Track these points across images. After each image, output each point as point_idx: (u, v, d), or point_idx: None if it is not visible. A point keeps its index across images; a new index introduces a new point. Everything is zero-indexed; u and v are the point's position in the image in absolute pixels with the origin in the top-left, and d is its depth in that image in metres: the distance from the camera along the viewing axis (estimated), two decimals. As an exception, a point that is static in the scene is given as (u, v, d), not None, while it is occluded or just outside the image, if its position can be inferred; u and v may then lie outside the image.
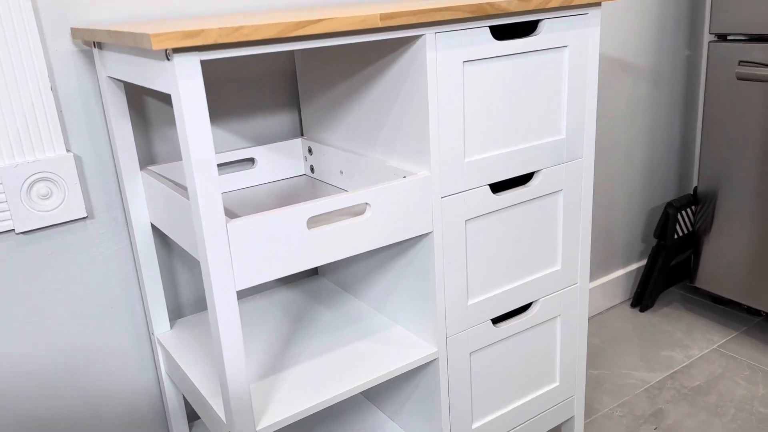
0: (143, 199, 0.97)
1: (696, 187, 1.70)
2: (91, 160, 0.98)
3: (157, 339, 1.04)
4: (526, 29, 0.93)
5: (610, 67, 1.59)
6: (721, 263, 1.67)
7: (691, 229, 1.74)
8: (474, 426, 1.03)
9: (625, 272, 1.82)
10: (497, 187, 0.95)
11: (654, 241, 1.88)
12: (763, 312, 1.69)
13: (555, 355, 1.11)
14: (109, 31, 0.73)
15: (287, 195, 1.05)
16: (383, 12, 0.74)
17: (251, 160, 1.11)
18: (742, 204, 1.59)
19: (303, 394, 0.86)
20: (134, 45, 0.66)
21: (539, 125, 0.96)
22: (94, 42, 0.89)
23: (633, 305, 1.82)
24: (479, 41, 0.86)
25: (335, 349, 0.97)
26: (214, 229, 0.71)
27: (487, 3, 0.82)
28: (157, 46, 0.61)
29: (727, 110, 1.57)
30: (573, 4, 0.90)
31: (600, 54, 1.56)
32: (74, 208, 0.97)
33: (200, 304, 1.13)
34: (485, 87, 0.88)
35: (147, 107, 1.01)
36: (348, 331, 1.02)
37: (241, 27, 0.65)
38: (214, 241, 0.71)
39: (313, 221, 0.86)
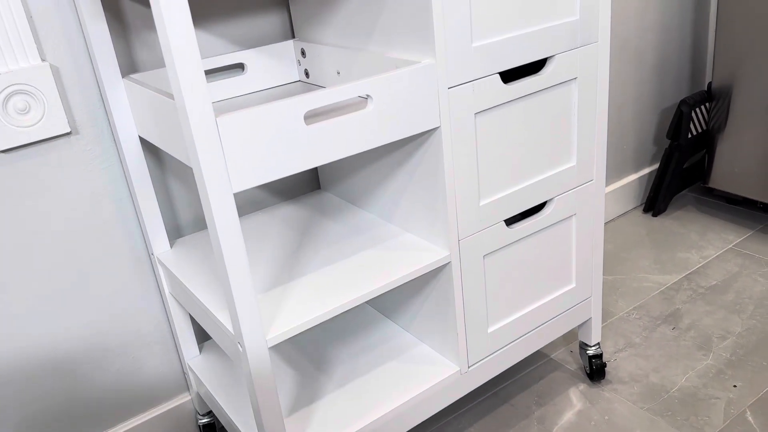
0: (128, 109, 0.91)
1: (710, 83, 1.62)
2: (69, 70, 0.91)
3: (157, 258, 1.00)
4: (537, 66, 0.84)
5: (619, -45, 1.48)
6: (735, 161, 1.61)
7: (705, 127, 1.67)
8: (490, 330, 1.00)
9: (637, 177, 1.77)
10: (508, 78, 0.89)
11: (666, 143, 1.81)
12: (780, 209, 1.64)
13: (571, 256, 1.07)
14: None
15: (282, 101, 0.98)
16: None
17: (240, 66, 1.04)
18: (758, 100, 1.51)
19: (312, 303, 0.83)
20: None
21: (551, 2, 0.88)
22: (57, -66, 0.80)
23: (645, 210, 1.77)
24: (490, 90, 0.77)
25: (343, 259, 0.93)
26: (204, 127, 0.65)
27: None
28: None
29: (743, 1, 1.47)
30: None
31: (609, -60, 1.45)
32: (56, 123, 0.90)
33: (200, 223, 1.09)
34: (498, 133, 0.80)
35: (124, 10, 0.94)
36: (356, 241, 0.97)
37: None
38: (204, 140, 0.66)
39: (313, 119, 0.80)
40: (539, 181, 0.97)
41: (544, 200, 0.99)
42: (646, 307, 1.39)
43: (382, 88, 0.76)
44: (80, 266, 0.98)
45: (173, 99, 0.71)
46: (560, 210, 1.01)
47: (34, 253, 0.94)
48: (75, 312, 1.00)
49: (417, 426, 1.13)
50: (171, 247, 1.02)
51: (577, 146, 0.99)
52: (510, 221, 0.98)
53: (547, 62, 0.91)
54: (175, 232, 1.06)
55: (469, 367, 0.99)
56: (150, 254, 1.02)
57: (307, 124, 0.72)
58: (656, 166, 1.81)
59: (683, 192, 1.84)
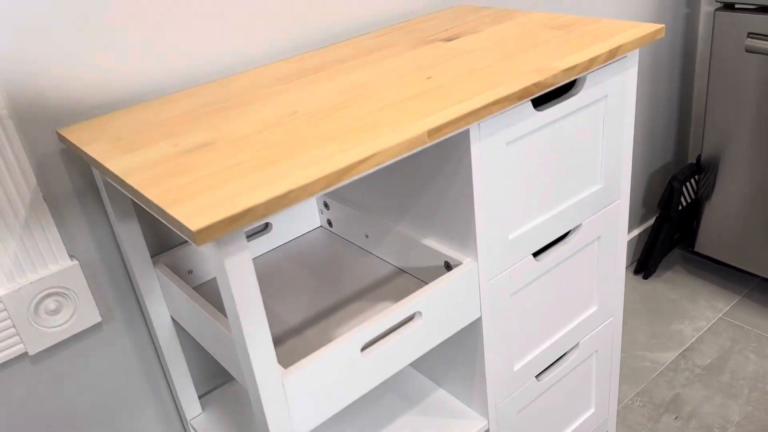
0: (160, 295, 0.90)
1: (700, 155, 1.67)
2: (97, 262, 0.89)
3: (191, 426, 0.99)
4: (565, 86, 0.85)
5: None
6: (721, 229, 1.67)
7: (694, 197, 1.73)
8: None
9: (628, 238, 1.82)
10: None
11: (654, 204, 1.87)
12: (760, 276, 1.72)
13: (591, 386, 1.11)
14: (129, 186, 0.63)
15: (311, 260, 0.98)
16: (430, 128, 0.65)
17: (265, 225, 1.03)
18: (743, 173, 1.57)
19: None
20: (164, 220, 0.57)
21: (577, 180, 0.90)
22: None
23: (636, 272, 1.83)
24: (521, 117, 0.78)
25: (383, 424, 0.94)
26: (271, 387, 0.66)
27: (532, 84, 0.73)
28: (202, 242, 0.53)
29: (734, 81, 1.51)
30: (617, 56, 0.82)
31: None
32: (87, 316, 0.89)
33: (222, 374, 1.08)
34: (527, 160, 0.81)
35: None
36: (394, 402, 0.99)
37: (288, 192, 0.57)
38: (269, 395, 0.66)
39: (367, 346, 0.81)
40: (565, 333, 1.00)
41: (565, 351, 1.02)
42: (649, 392, 1.45)
43: (431, 302, 0.77)
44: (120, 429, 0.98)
45: (230, 332, 0.71)
46: (582, 351, 1.05)
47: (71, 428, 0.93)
48: (110, 482, 0.99)
49: None
50: (203, 410, 1.02)
51: (598, 293, 1.02)
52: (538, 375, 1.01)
53: (573, 231, 0.93)
54: (201, 384, 1.06)
55: None
56: (183, 421, 1.02)
57: (362, 352, 0.73)
58: (645, 225, 1.87)
59: (672, 251, 1.90)
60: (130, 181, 0.62)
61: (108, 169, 0.66)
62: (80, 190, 0.85)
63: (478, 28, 0.97)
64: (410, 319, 0.77)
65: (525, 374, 0.96)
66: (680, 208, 1.71)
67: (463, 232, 0.81)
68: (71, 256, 0.87)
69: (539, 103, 0.82)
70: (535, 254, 0.89)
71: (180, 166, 0.64)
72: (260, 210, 0.56)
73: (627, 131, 0.93)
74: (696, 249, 1.75)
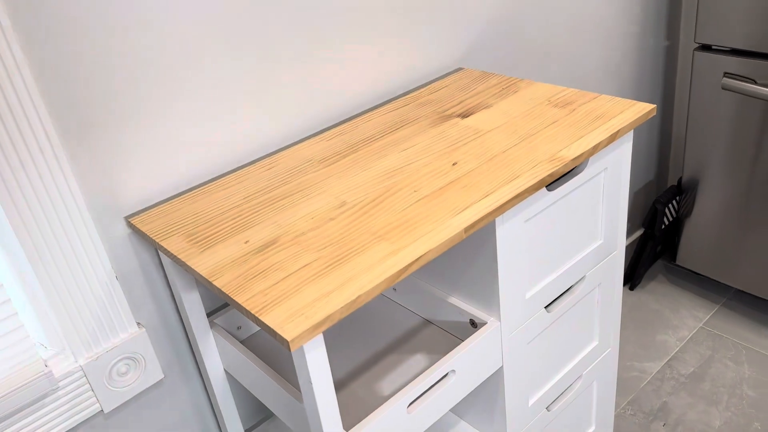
0: (215, 351, 1.01)
1: (681, 177, 1.81)
2: (159, 327, 1.00)
3: (242, 462, 1.11)
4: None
5: (606, 72, 1.63)
6: (700, 246, 1.82)
7: (675, 215, 1.87)
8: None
9: (613, 254, 1.96)
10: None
11: (638, 222, 2.01)
12: (735, 287, 1.87)
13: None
14: (218, 288, 0.74)
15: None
16: (466, 226, 0.77)
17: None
18: (719, 195, 1.72)
19: None
20: (257, 324, 0.69)
21: (582, 239, 1.03)
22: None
23: (623, 284, 1.98)
24: (536, 199, 0.90)
25: None
26: (338, 449, 0.78)
27: (548, 175, 0.85)
28: (294, 348, 0.64)
29: (711, 114, 1.65)
30: (616, 138, 0.94)
31: (595, 61, 1.59)
32: (152, 374, 1.00)
33: (264, 410, 1.20)
34: (541, 231, 0.94)
35: (201, 259, 1.02)
36: None
37: (358, 298, 0.68)
38: (337, 456, 0.78)
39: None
40: (572, 367, 1.13)
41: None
42: (638, 401, 1.60)
43: (462, 361, 0.90)
44: (173, 477, 1.09)
45: (301, 402, 0.82)
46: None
47: (135, 479, 1.05)
48: None
49: None
50: (251, 446, 1.14)
51: (599, 331, 1.15)
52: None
53: (579, 281, 1.06)
54: (244, 420, 1.18)
55: None
56: (233, 457, 1.13)
57: (407, 410, 0.86)
58: (630, 240, 2.01)
59: (655, 263, 2.05)
60: (218, 284, 0.73)
61: (194, 269, 0.77)
62: (145, 266, 0.96)
63: (489, 102, 1.08)
64: (445, 376, 0.90)
65: (538, 407, 1.09)
66: (663, 227, 1.86)
67: (488, 294, 0.93)
68: (138, 324, 0.97)
69: (549, 185, 0.94)
70: (547, 306, 1.02)
71: (256, 267, 0.75)
72: (336, 315, 0.67)
73: (623, 193, 1.06)
74: (678, 262, 1.90)
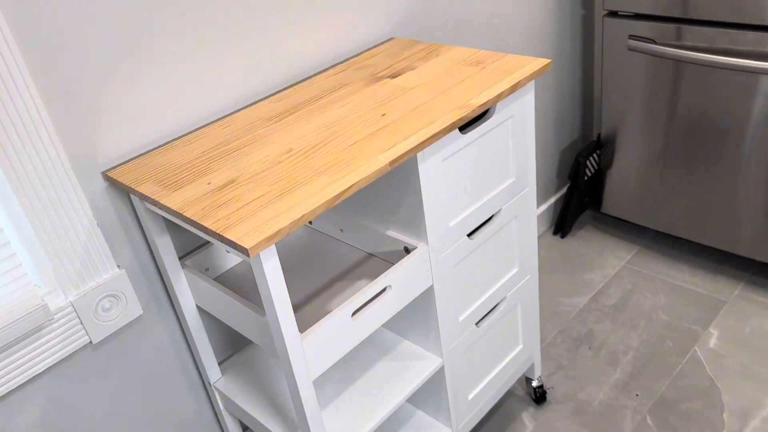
0: (187, 288, 1.17)
1: (599, 133, 2.02)
2: (136, 268, 1.15)
3: (215, 387, 1.28)
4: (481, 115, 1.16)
5: (528, 38, 1.82)
6: (621, 193, 2.03)
7: (597, 168, 2.08)
8: (469, 397, 1.36)
9: (546, 206, 2.17)
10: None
11: (566, 175, 2.22)
12: (653, 229, 2.09)
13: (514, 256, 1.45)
14: (188, 218, 0.90)
15: (300, 252, 1.27)
16: (390, 160, 0.95)
17: (259, 227, 1.30)
18: (634, 145, 1.93)
19: (357, 420, 1.15)
20: (221, 243, 0.85)
21: (496, 177, 1.21)
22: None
23: (554, 233, 2.19)
24: (451, 140, 1.08)
25: (365, 371, 1.25)
26: (295, 347, 0.95)
27: (458, 119, 1.03)
28: (253, 254, 0.81)
29: (622, 73, 1.85)
30: (517, 89, 1.13)
31: (518, 29, 1.78)
32: (132, 310, 1.15)
33: (233, 345, 1.36)
34: (458, 169, 1.12)
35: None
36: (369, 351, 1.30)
37: (302, 216, 0.85)
38: (296, 353, 0.95)
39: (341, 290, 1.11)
40: (496, 289, 1.32)
41: (497, 302, 1.35)
42: (567, 331, 1.81)
43: (397, 277, 1.08)
44: (157, 396, 1.25)
45: (263, 315, 0.99)
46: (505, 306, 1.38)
47: (125, 397, 1.20)
48: (152, 427, 1.27)
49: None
50: (222, 374, 1.30)
51: (518, 258, 1.35)
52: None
53: (496, 215, 1.25)
54: (218, 352, 1.34)
55: (459, 428, 1.36)
56: (206, 384, 1.29)
57: (352, 318, 1.03)
58: (560, 193, 2.22)
59: (583, 213, 2.27)
60: (188, 214, 0.89)
61: (166, 206, 0.93)
62: (121, 216, 1.11)
63: (414, 65, 1.26)
64: (383, 291, 1.08)
65: (467, 323, 1.28)
66: (586, 178, 2.07)
67: (417, 224, 1.11)
68: (118, 266, 1.13)
69: (463, 127, 1.12)
70: (469, 235, 1.21)
71: (220, 200, 0.92)
72: (285, 230, 0.84)
73: (529, 138, 1.25)
74: (602, 210, 2.12)
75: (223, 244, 0.87)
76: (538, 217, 2.14)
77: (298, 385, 0.98)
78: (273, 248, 0.86)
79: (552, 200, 2.19)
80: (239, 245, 0.82)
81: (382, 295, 1.07)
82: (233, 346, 1.36)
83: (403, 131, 1.02)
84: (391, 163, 0.95)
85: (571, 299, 1.91)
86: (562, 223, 2.17)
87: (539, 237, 2.18)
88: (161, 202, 0.94)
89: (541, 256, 2.10)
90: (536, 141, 2.02)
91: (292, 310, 0.92)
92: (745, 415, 1.51)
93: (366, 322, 1.05)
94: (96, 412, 1.17)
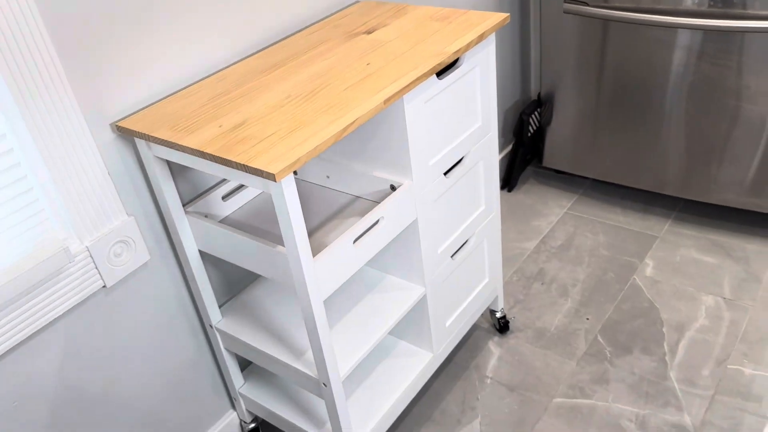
0: (190, 234, 1.26)
1: (539, 93, 2.21)
2: (141, 216, 1.23)
3: (216, 328, 1.37)
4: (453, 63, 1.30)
5: (473, 4, 1.97)
6: (560, 147, 2.23)
7: (539, 125, 2.27)
8: (447, 324, 1.51)
9: (493, 164, 2.35)
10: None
11: (511, 135, 2.40)
12: (590, 177, 2.31)
13: (484, 273, 1.61)
14: (210, 155, 0.99)
15: (288, 201, 1.37)
16: (385, 99, 1.07)
17: (249, 178, 1.40)
18: (571, 102, 2.13)
19: (353, 344, 1.28)
20: (246, 172, 0.95)
21: (467, 121, 1.36)
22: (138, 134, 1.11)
23: (502, 188, 2.37)
24: (431, 84, 1.21)
25: (358, 302, 1.38)
26: (310, 270, 1.06)
27: (437, 64, 1.17)
28: (279, 179, 0.92)
29: (558, 35, 2.04)
30: (482, 40, 1.27)
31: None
32: (140, 256, 1.23)
33: (232, 287, 1.45)
34: (437, 112, 1.25)
35: (171, 164, 1.26)
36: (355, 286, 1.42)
37: (317, 146, 0.97)
38: (310, 276, 1.07)
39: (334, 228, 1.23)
40: (465, 227, 1.47)
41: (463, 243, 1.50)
42: (522, 270, 1.99)
43: (388, 210, 1.20)
44: (161, 338, 1.33)
45: (281, 246, 1.09)
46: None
47: (131, 341, 1.28)
48: (150, 369, 1.35)
49: (399, 393, 1.63)
50: (222, 316, 1.39)
51: (484, 197, 1.50)
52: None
53: (466, 156, 1.40)
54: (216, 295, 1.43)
55: (438, 352, 1.51)
56: (209, 326, 1.38)
57: (354, 244, 1.15)
58: (505, 151, 2.40)
59: (527, 169, 2.46)
60: (209, 150, 0.99)
61: (186, 146, 1.02)
62: (128, 165, 1.18)
63: (386, 22, 1.38)
64: (377, 222, 1.20)
65: (445, 255, 1.42)
66: (529, 134, 2.25)
67: (402, 163, 1.24)
68: (127, 214, 1.20)
69: (439, 74, 1.26)
70: (445, 173, 1.35)
71: (235, 139, 1.02)
72: (304, 158, 0.95)
73: (492, 86, 1.40)
74: (544, 164, 2.31)
75: (248, 174, 0.97)
76: (487, 173, 2.31)
77: (312, 305, 1.09)
78: (292, 177, 0.97)
79: (499, 157, 2.37)
80: (266, 172, 0.92)
81: (376, 226, 1.20)
82: (229, 292, 1.45)
83: (390, 76, 1.14)
84: (386, 101, 1.08)
85: (522, 244, 2.10)
86: (508, 178, 2.35)
87: (488, 192, 2.36)
88: (180, 143, 1.03)
89: (491, 208, 2.27)
90: (483, 101, 2.19)
91: (307, 235, 1.04)
92: (681, 328, 1.73)
93: (365, 249, 1.18)
94: (106, 354, 1.25)
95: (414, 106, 1.19)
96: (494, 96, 1.41)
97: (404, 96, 1.15)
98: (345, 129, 1.01)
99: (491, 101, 1.41)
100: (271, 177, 0.92)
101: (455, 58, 1.21)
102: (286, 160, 0.94)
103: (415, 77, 1.13)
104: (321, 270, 1.10)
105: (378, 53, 1.24)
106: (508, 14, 1.32)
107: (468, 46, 1.23)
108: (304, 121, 1.04)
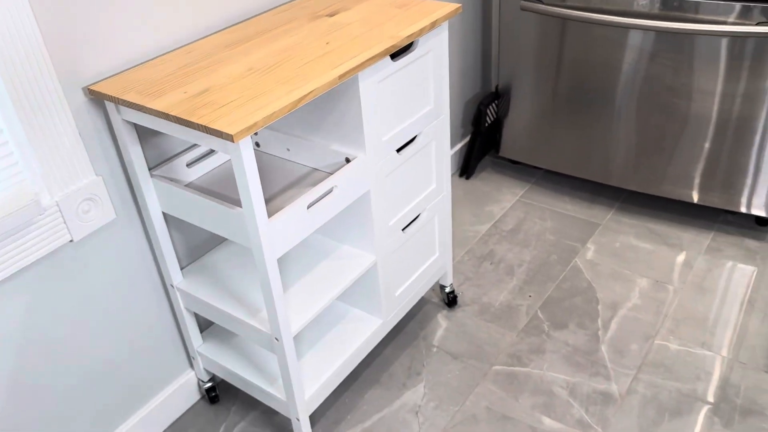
0: (155, 196, 1.34)
1: (497, 85, 2.32)
2: (108, 177, 1.31)
3: (177, 288, 1.45)
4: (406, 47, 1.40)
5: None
6: (515, 138, 2.35)
7: (496, 116, 2.39)
8: (396, 293, 1.62)
9: (453, 151, 2.46)
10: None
11: (471, 127, 2.52)
12: (542, 168, 2.43)
13: (435, 244, 1.72)
14: (174, 116, 1.08)
15: (250, 170, 1.46)
16: (340, 74, 1.17)
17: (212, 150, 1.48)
18: (526, 95, 2.25)
19: (306, 304, 1.38)
20: (206, 133, 1.04)
21: (419, 103, 1.46)
22: (107, 98, 1.19)
23: (460, 175, 2.49)
24: (384, 65, 1.31)
25: (313, 268, 1.47)
26: (265, 229, 1.15)
27: (390, 46, 1.27)
28: (237, 140, 1.01)
29: (515, 31, 2.16)
30: (435, 27, 1.37)
31: (426, -1, 2.03)
32: (107, 214, 1.31)
33: (195, 251, 1.53)
34: (390, 91, 1.35)
35: (138, 129, 1.33)
36: (315, 256, 1.52)
37: (274, 112, 1.06)
38: (265, 234, 1.16)
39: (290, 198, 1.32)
40: (417, 203, 1.58)
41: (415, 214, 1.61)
42: (473, 251, 2.11)
43: (342, 179, 1.30)
44: (123, 294, 1.41)
45: (239, 207, 1.18)
46: (426, 218, 1.64)
47: (95, 296, 1.36)
48: (111, 327, 1.43)
49: (351, 358, 1.73)
50: (183, 277, 1.47)
51: (435, 177, 1.61)
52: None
53: (418, 136, 1.50)
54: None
55: (387, 319, 1.61)
56: (170, 285, 1.47)
57: (308, 209, 1.25)
58: (465, 141, 2.51)
59: (484, 158, 2.58)
60: (173, 113, 1.07)
61: (152, 108, 1.10)
62: (98, 128, 1.26)
63: (348, 6, 1.48)
64: (331, 190, 1.30)
65: (396, 227, 1.53)
66: (487, 125, 2.37)
67: (357, 137, 1.34)
68: (96, 174, 1.28)
69: (394, 56, 1.36)
70: (398, 150, 1.45)
71: (198, 104, 1.10)
72: (260, 123, 1.04)
73: (445, 71, 1.50)
74: (500, 154, 2.43)
75: (208, 136, 1.06)
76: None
77: (266, 262, 1.19)
78: (249, 140, 1.06)
79: (458, 146, 2.48)
80: (225, 133, 1.01)
81: (331, 194, 1.30)
82: (191, 256, 1.53)
83: (347, 54, 1.24)
84: (340, 77, 1.17)
85: (475, 227, 2.22)
86: (466, 165, 2.46)
87: (447, 178, 2.47)
88: (147, 105, 1.11)
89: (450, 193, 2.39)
90: (444, 91, 2.30)
91: (263, 196, 1.13)
92: (615, 306, 1.86)
93: (318, 214, 1.28)
94: (70, 308, 1.32)
95: (368, 85, 1.28)
96: (446, 81, 1.52)
97: (359, 74, 1.25)
98: (301, 99, 1.11)
99: (443, 86, 1.51)
100: (229, 138, 1.01)
101: (408, 42, 1.31)
102: (244, 123, 1.03)
103: (369, 56, 1.23)
104: (275, 231, 1.19)
105: (338, 34, 1.34)
106: (460, 5, 1.43)
107: (421, 32, 1.34)
108: (263, 91, 1.13)
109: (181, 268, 1.51)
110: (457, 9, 1.42)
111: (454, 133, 2.44)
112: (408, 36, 1.30)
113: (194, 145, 1.44)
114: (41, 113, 1.15)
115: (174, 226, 1.47)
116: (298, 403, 1.39)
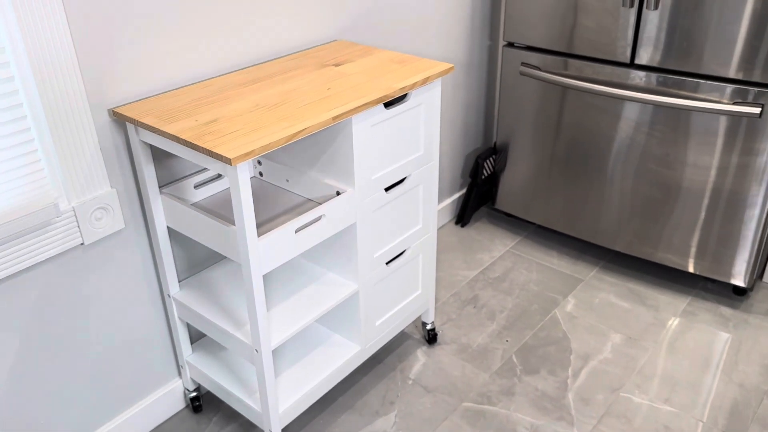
0: (162, 211, 1.48)
1: (495, 142, 2.47)
2: (122, 190, 1.46)
3: (173, 297, 1.58)
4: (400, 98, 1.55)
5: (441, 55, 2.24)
6: (511, 192, 2.48)
7: (493, 170, 2.53)
8: (377, 323, 1.73)
9: (451, 200, 2.60)
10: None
11: (469, 178, 2.66)
12: (534, 223, 2.55)
13: (418, 283, 1.83)
14: (184, 140, 1.23)
15: (254, 196, 1.60)
16: (334, 116, 1.32)
17: (219, 175, 1.63)
18: (522, 153, 2.39)
19: (289, 322, 1.49)
20: (209, 156, 1.19)
21: (409, 148, 1.60)
22: (129, 120, 1.35)
23: (456, 223, 2.61)
24: (378, 112, 1.46)
25: (298, 291, 1.60)
26: (254, 246, 1.29)
27: (383, 96, 1.42)
28: (235, 163, 1.15)
29: (515, 93, 2.32)
30: (428, 82, 1.53)
31: (439, 58, 2.20)
32: (117, 223, 1.45)
33: (194, 267, 1.67)
34: (382, 135, 1.50)
35: (154, 150, 1.49)
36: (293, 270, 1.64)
37: (270, 143, 1.21)
38: (254, 251, 1.29)
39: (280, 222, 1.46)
40: (404, 238, 1.70)
41: (403, 251, 1.73)
42: (458, 294, 2.22)
43: (330, 209, 1.44)
44: (123, 298, 1.54)
45: (233, 225, 1.32)
46: (411, 254, 1.76)
47: (97, 297, 1.49)
48: (116, 323, 1.56)
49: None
50: (180, 289, 1.60)
51: (422, 217, 1.74)
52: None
53: (407, 178, 1.64)
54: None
55: (366, 347, 1.72)
56: (167, 295, 1.60)
57: (295, 233, 1.38)
58: (463, 191, 2.65)
59: (481, 209, 2.71)
60: (183, 136, 1.22)
61: (166, 132, 1.25)
62: (117, 146, 1.41)
63: (353, 59, 1.64)
64: (319, 218, 1.43)
65: (380, 260, 1.65)
66: (483, 177, 2.51)
67: (348, 174, 1.48)
68: (111, 186, 1.43)
69: (388, 105, 1.51)
70: (386, 189, 1.59)
71: (206, 131, 1.25)
72: (258, 151, 1.19)
73: (435, 123, 1.65)
74: (496, 206, 2.56)
75: (211, 159, 1.21)
76: (444, 209, 2.56)
77: (252, 276, 1.31)
78: (246, 165, 1.21)
79: (456, 195, 2.62)
80: (225, 157, 1.16)
81: (319, 221, 1.43)
82: (190, 270, 1.67)
83: (344, 99, 1.39)
84: (334, 118, 1.32)
85: (464, 272, 2.33)
86: (462, 214, 2.59)
87: (444, 226, 2.60)
88: (162, 129, 1.26)
89: (444, 240, 2.51)
90: (447, 145, 2.45)
91: (254, 215, 1.26)
92: (587, 357, 1.95)
93: (305, 239, 1.41)
94: (74, 303, 1.45)
95: (362, 128, 1.43)
96: (437, 131, 1.66)
97: (353, 117, 1.40)
98: (296, 134, 1.25)
99: (434, 135, 1.66)
100: (228, 161, 1.16)
101: (401, 93, 1.47)
102: (243, 150, 1.18)
103: (363, 103, 1.38)
104: (263, 248, 1.32)
105: (340, 81, 1.49)
106: (453, 65, 1.59)
107: (413, 86, 1.49)
108: (264, 125, 1.28)
109: (180, 281, 1.64)
110: (450, 69, 1.57)
111: (453, 183, 2.58)
112: (401, 88, 1.46)
113: (202, 169, 1.60)
114: (69, 128, 1.31)
115: (178, 241, 1.61)
116: (272, 414, 1.50)
